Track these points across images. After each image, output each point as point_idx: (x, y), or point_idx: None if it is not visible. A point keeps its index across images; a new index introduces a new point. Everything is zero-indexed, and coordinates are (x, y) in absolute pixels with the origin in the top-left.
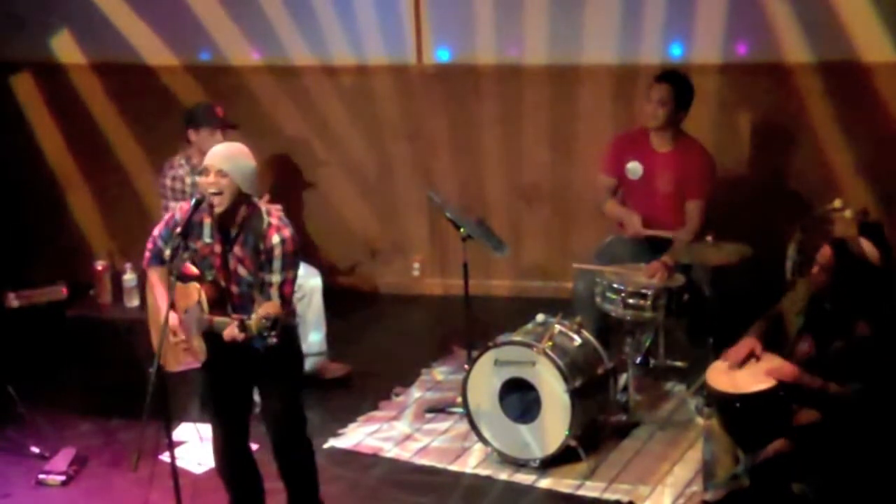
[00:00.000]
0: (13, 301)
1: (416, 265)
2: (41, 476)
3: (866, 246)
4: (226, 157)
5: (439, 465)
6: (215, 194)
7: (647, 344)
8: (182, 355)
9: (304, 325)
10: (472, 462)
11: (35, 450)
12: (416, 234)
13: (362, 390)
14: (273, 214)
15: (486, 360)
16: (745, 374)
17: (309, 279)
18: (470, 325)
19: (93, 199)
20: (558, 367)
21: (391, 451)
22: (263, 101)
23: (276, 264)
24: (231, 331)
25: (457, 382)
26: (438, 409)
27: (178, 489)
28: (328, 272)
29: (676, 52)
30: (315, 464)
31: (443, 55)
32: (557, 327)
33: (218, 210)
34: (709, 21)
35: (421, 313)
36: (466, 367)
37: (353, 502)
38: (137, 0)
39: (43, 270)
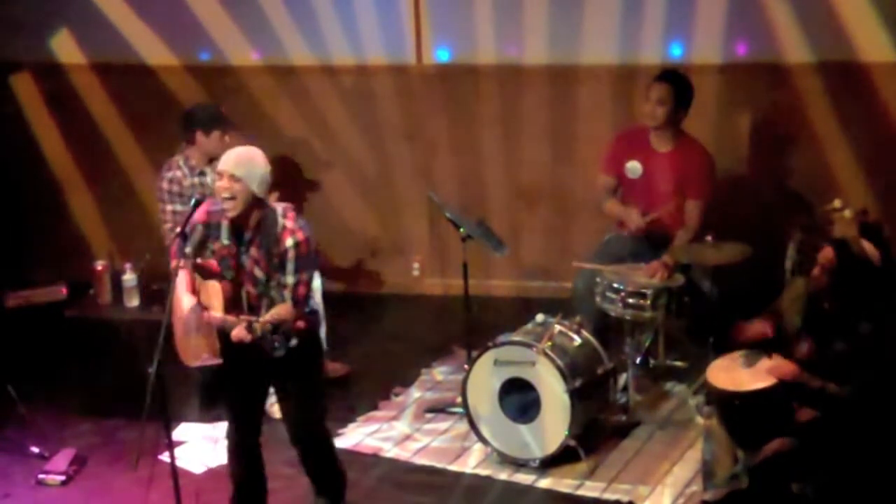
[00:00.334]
0: (11, 301)
1: (416, 265)
2: (41, 476)
3: (867, 246)
4: (239, 163)
5: (439, 465)
6: (228, 199)
7: (647, 344)
8: (201, 350)
9: None
10: (472, 462)
11: (35, 450)
12: (416, 234)
13: (362, 390)
14: (288, 216)
15: (485, 360)
16: (746, 372)
17: None
18: (470, 325)
19: (93, 199)
20: (558, 367)
21: (391, 451)
22: (263, 101)
23: (290, 266)
24: (238, 331)
25: (457, 382)
26: (438, 409)
27: (178, 489)
28: (328, 272)
29: (676, 52)
30: (336, 460)
31: (443, 55)
32: (557, 327)
33: (231, 214)
34: (709, 21)
35: (421, 313)
36: (466, 367)
37: (354, 502)
38: (137, 0)
39: (43, 270)
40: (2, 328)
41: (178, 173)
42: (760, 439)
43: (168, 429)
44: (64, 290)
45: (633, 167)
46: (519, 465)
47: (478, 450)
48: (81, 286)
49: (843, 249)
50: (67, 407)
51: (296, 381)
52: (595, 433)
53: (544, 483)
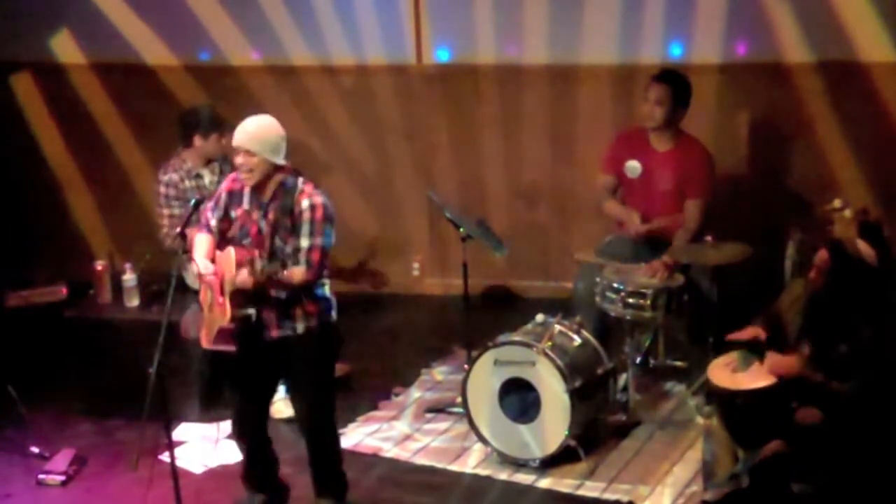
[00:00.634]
0: (11, 301)
1: (416, 265)
2: (41, 476)
3: (863, 247)
4: (251, 138)
5: (439, 465)
6: (246, 172)
7: (647, 344)
8: (214, 334)
9: None
10: (472, 462)
11: (35, 450)
12: (416, 234)
13: (362, 390)
14: (308, 184)
15: (485, 360)
16: (746, 372)
17: None
18: (470, 325)
19: (93, 199)
20: (558, 367)
21: (391, 451)
22: (263, 102)
23: (305, 229)
24: (242, 276)
25: (457, 382)
26: (438, 409)
27: (178, 489)
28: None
29: (676, 52)
30: (340, 461)
31: (443, 55)
32: (557, 327)
33: (249, 184)
34: (709, 21)
35: (421, 313)
36: (466, 367)
37: (354, 502)
38: (137, 0)
39: (43, 270)
40: (2, 328)
41: (175, 177)
42: (761, 439)
43: (168, 429)
44: (64, 290)
45: (633, 167)
46: (519, 465)
47: (478, 450)
48: (81, 286)
49: (837, 250)
50: (67, 407)
51: (304, 371)
52: (595, 433)
53: (544, 483)
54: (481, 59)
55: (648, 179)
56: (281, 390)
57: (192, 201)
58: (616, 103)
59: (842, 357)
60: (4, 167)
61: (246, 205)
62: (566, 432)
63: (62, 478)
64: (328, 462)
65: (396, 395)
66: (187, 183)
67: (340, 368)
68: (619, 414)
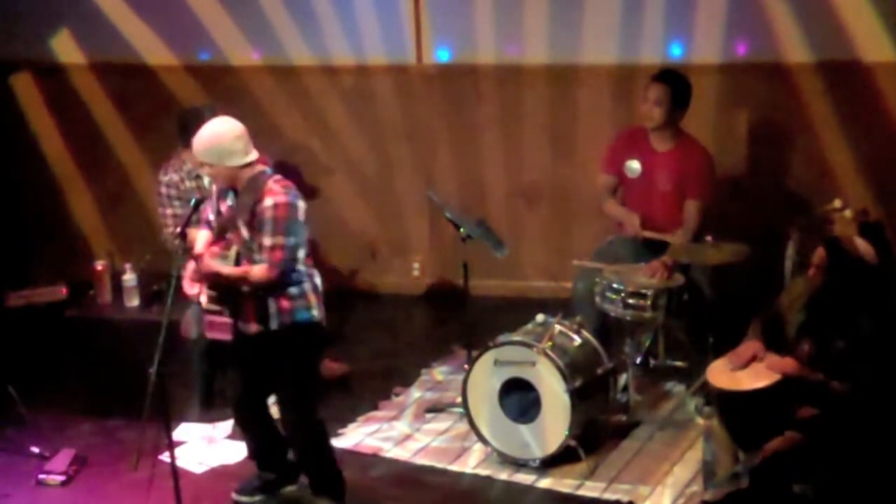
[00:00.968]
0: (11, 301)
1: (416, 265)
2: (41, 476)
3: (861, 244)
4: (205, 150)
5: (439, 465)
6: (213, 178)
7: (647, 344)
8: (213, 324)
9: None
10: (472, 462)
11: (35, 450)
12: (416, 234)
13: (362, 390)
14: (277, 183)
15: (486, 360)
16: (747, 371)
17: None
18: (470, 325)
19: (93, 199)
20: (558, 367)
21: (391, 451)
22: (263, 102)
23: (268, 227)
24: (207, 261)
25: (457, 382)
26: (438, 409)
27: (178, 489)
28: (328, 272)
29: (676, 51)
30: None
31: (443, 55)
32: (557, 327)
33: (220, 186)
34: (708, 21)
35: (421, 313)
36: (466, 367)
37: (353, 502)
38: (137, 0)
39: (43, 270)
40: (2, 328)
41: (175, 177)
42: (761, 439)
43: (168, 429)
44: (64, 290)
45: (633, 166)
46: (519, 465)
47: (478, 450)
48: (81, 286)
49: (834, 248)
50: (67, 407)
51: (278, 368)
52: (595, 433)
53: (544, 483)
54: (481, 59)
55: (648, 179)
56: None
57: (192, 201)
58: (616, 103)
59: (839, 354)
60: (4, 167)
61: (230, 201)
62: (566, 432)
63: (62, 478)
64: (315, 462)
65: (396, 395)
66: (188, 183)
67: (340, 368)
68: (619, 414)
